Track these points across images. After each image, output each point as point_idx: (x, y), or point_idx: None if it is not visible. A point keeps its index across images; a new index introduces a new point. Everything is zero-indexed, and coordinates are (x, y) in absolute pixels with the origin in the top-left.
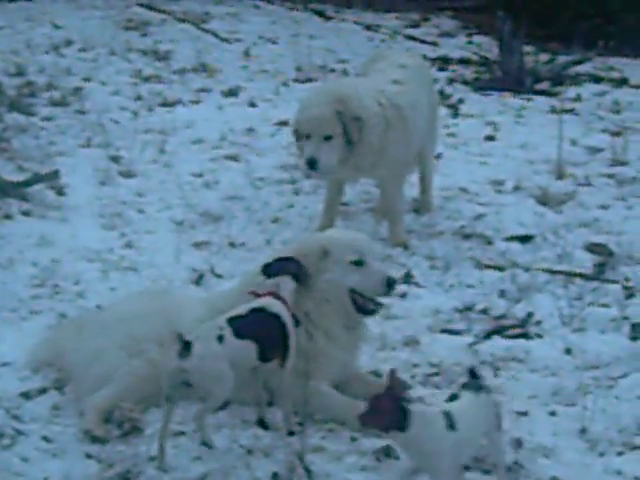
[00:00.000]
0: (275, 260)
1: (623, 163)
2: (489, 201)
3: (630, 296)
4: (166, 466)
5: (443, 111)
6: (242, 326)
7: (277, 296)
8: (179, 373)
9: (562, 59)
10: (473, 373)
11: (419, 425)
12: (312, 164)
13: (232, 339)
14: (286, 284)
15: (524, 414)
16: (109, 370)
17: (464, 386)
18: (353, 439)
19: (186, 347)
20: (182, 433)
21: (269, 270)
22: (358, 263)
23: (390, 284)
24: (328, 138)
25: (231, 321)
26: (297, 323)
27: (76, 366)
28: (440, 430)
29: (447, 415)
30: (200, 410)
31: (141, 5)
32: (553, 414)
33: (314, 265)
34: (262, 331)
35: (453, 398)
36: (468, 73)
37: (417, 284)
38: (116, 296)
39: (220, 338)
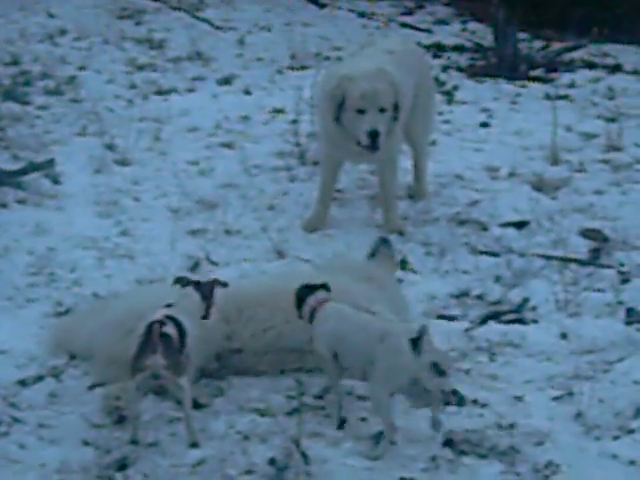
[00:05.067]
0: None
1: (617, 149)
2: (484, 187)
3: (625, 281)
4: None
5: (438, 98)
6: None
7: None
8: None
9: (556, 46)
10: None
11: None
12: (375, 136)
13: None
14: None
15: (520, 399)
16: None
17: None
18: (349, 425)
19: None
20: (178, 419)
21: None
22: None
23: None
24: (382, 111)
25: None
26: None
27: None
28: None
29: None
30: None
31: None
32: (549, 399)
33: None
34: None
35: None
36: (462, 60)
37: (413, 270)
38: (112, 284)
39: None
